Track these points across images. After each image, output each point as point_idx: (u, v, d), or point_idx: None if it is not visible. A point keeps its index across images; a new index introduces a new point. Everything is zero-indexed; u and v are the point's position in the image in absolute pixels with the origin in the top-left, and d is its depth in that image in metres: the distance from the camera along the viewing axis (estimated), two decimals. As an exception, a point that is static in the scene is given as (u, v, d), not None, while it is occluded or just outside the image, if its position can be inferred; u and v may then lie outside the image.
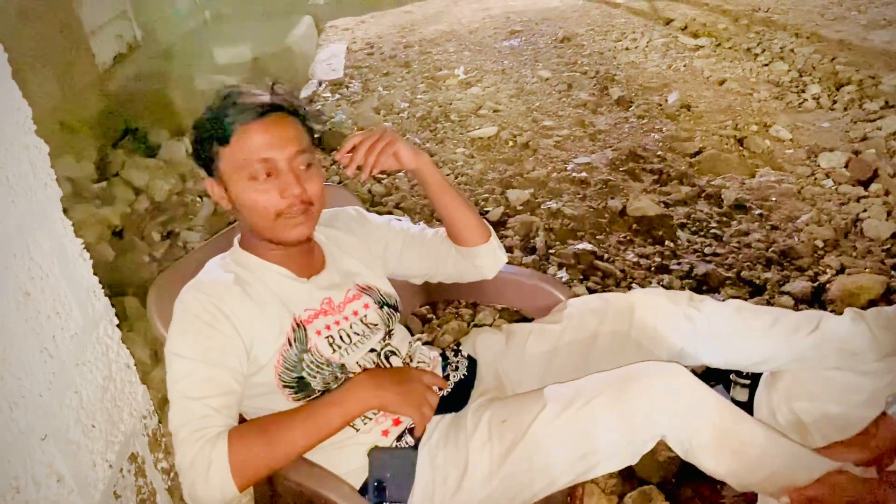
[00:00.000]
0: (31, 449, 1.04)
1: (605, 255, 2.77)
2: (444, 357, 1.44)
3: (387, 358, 1.32)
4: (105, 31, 4.63)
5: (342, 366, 1.26)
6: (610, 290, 2.54)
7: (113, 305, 1.41)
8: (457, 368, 1.41)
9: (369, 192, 3.37)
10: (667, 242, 2.83)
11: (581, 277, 2.65)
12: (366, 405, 1.15)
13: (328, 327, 1.28)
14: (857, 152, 3.22)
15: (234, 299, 1.20)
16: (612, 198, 3.13)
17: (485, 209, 3.15)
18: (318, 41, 6.31)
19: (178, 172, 3.57)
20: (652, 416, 1.13)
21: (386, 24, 6.59)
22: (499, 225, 3.03)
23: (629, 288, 2.56)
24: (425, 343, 1.46)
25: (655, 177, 3.30)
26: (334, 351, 1.26)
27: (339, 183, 3.38)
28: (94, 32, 4.39)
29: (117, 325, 1.40)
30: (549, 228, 2.95)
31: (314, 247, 1.35)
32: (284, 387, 1.23)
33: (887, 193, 2.89)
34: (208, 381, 1.13)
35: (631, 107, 4.02)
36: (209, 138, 1.20)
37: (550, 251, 2.82)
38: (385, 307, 1.37)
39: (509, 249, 2.87)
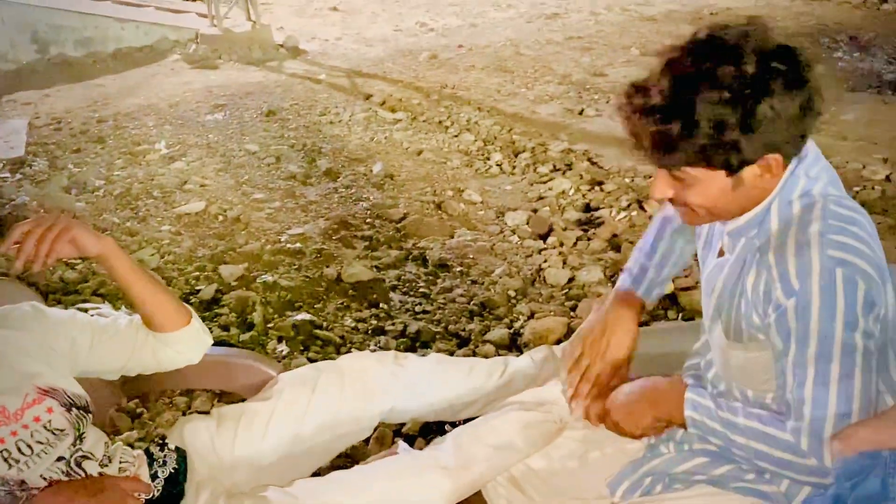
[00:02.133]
0: None
1: (324, 324, 2.81)
2: (150, 454, 1.35)
3: (78, 465, 1.20)
4: None
5: (21, 482, 1.11)
6: (331, 357, 2.57)
7: None
8: (164, 464, 1.32)
9: (61, 279, 3.06)
10: (381, 305, 2.95)
11: (301, 348, 2.66)
12: None
13: (2, 440, 1.13)
14: (535, 210, 3.67)
15: None
16: (328, 266, 3.20)
17: (196, 287, 3.03)
18: (-7, 116, 5.65)
19: None
20: None
21: (75, 98, 6.11)
22: (213, 303, 2.93)
23: (349, 352, 2.61)
24: (138, 440, 1.36)
25: (367, 243, 3.44)
26: (10, 466, 1.11)
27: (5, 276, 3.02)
28: None
29: None
30: (265, 302, 2.92)
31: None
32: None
33: (561, 245, 3.32)
34: None
35: (339, 177, 4.17)
36: None
37: (269, 325, 2.79)
38: (74, 409, 1.24)
39: (225, 327, 2.78)
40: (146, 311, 1.35)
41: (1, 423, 1.14)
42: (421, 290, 3.06)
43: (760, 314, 1.06)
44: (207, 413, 2.06)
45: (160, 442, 1.38)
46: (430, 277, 3.15)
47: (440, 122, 5.02)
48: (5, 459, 1.11)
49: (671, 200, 1.11)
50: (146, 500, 1.23)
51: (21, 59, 7.48)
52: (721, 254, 1.18)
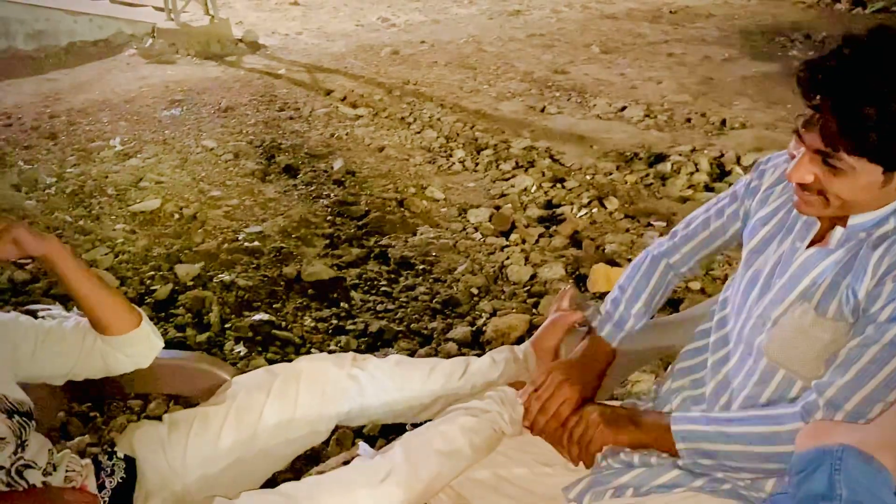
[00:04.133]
0: None
1: (283, 324, 2.77)
2: (98, 463, 1.30)
3: (19, 474, 1.15)
4: None
5: (-42, 495, 1.06)
6: (290, 359, 2.53)
7: None
8: (112, 473, 1.28)
9: (10, 280, 2.96)
10: (342, 304, 2.91)
11: (260, 349, 2.61)
12: None
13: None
14: (497, 207, 3.66)
15: None
16: (287, 265, 3.15)
17: (151, 287, 2.96)
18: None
19: None
20: None
21: (26, 93, 5.93)
22: (168, 303, 2.86)
23: (309, 353, 2.57)
24: (90, 445, 1.31)
25: (327, 241, 3.40)
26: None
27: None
28: None
29: None
30: (223, 302, 2.86)
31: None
32: None
33: (524, 241, 3.32)
34: None
35: (299, 174, 4.11)
36: None
37: (226, 325, 2.74)
38: (15, 416, 1.19)
39: (181, 327, 2.72)
40: (94, 313, 1.30)
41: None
42: (383, 288, 3.03)
43: (868, 299, 1.08)
44: (160, 418, 2.01)
45: (109, 450, 1.33)
46: (393, 276, 3.12)
47: (402, 118, 4.98)
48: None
49: (803, 186, 1.10)
50: (93, 510, 1.19)
51: (-30, 52, 7.25)
52: (815, 243, 1.18)
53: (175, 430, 1.35)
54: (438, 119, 4.93)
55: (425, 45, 6.97)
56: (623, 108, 5.13)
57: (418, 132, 4.74)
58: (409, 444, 1.31)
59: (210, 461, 1.33)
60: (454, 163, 4.26)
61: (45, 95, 5.87)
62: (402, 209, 3.71)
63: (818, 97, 1.04)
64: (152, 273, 3.07)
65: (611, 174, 4.04)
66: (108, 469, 1.28)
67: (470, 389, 1.51)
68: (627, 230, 3.45)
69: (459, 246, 3.35)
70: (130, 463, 1.31)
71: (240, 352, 2.59)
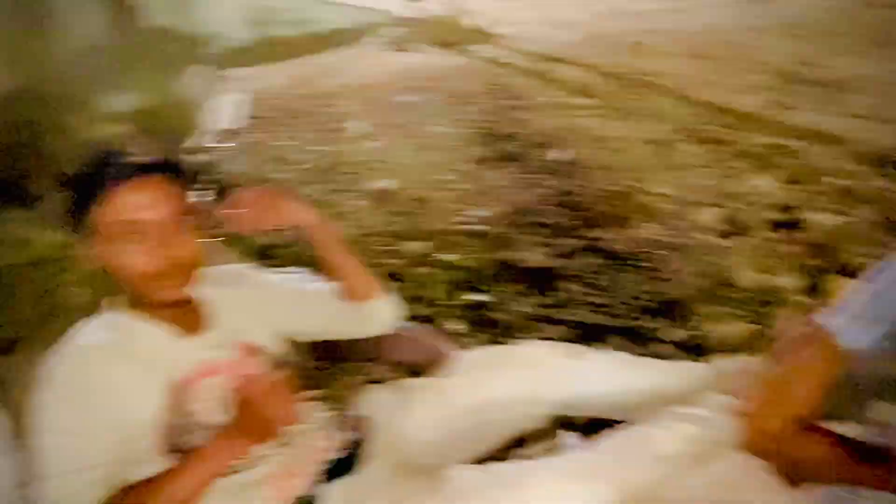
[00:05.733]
0: None
1: (500, 307, 2.83)
2: (336, 418, 1.42)
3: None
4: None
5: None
6: (504, 342, 2.59)
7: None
8: (347, 430, 1.39)
9: (260, 244, 3.31)
10: (557, 294, 2.91)
11: (477, 330, 2.69)
12: (233, 454, 1.11)
13: (212, 389, 1.24)
14: (727, 207, 3.45)
15: (107, 364, 1.14)
16: (506, 250, 3.21)
17: (380, 262, 3.16)
18: (212, 91, 6.22)
19: (61, 224, 3.40)
20: None
21: (282, 76, 6.59)
22: (394, 277, 3.04)
23: (522, 339, 2.61)
24: (318, 399, 1.44)
25: (547, 230, 3.41)
26: (218, 413, 1.22)
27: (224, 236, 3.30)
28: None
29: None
30: (445, 281, 2.98)
31: (197, 306, 1.31)
32: (169, 451, 1.18)
33: (755, 245, 3.10)
34: (79, 454, 1.07)
35: (523, 163, 4.16)
36: (82, 197, 1.16)
37: (445, 303, 2.85)
38: (275, 367, 1.34)
39: (405, 302, 2.87)
40: (344, 281, 1.42)
41: (214, 372, 1.25)
42: (599, 282, 2.99)
43: None
44: (383, 382, 2.15)
45: (344, 407, 1.46)
46: (610, 270, 3.07)
47: (631, 109, 4.86)
48: (214, 407, 1.22)
49: None
50: (328, 462, 1.30)
51: (239, 38, 8.17)
52: None
53: (401, 397, 1.44)
54: (669, 111, 4.74)
55: (661, 34, 6.72)
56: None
57: (647, 124, 4.60)
58: (619, 442, 1.29)
59: (432, 430, 1.40)
60: (683, 157, 4.08)
61: (298, 79, 6.48)
62: (625, 202, 3.63)
63: None
64: (382, 248, 3.29)
65: (863, 179, 3.64)
66: (344, 426, 1.40)
67: (689, 394, 1.45)
68: (878, 242, 3.10)
69: (683, 245, 3.21)
70: (363, 423, 1.42)
71: (458, 329, 2.69)
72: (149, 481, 1.09)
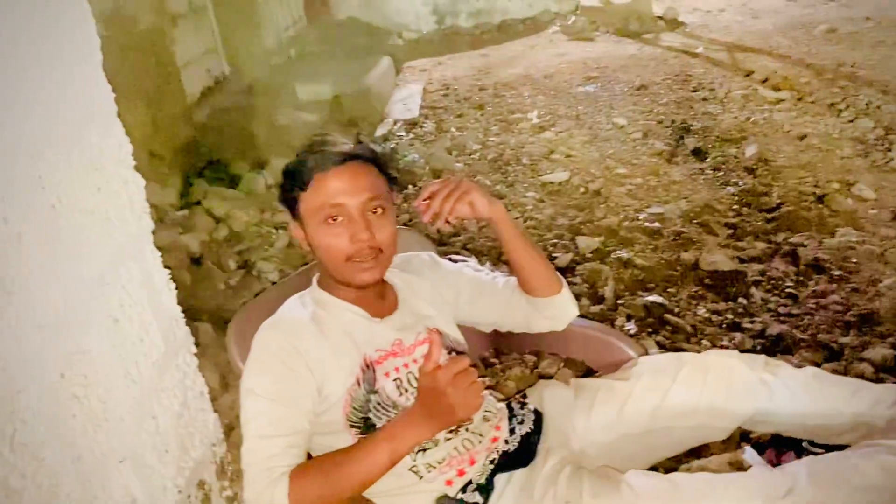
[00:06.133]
0: (110, 471, 1.09)
1: (676, 309, 2.72)
2: (511, 409, 1.44)
3: (451, 404, 1.32)
4: (195, 65, 4.86)
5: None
6: (679, 346, 2.49)
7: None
8: (522, 422, 1.40)
9: (437, 231, 3.40)
10: (740, 300, 2.75)
11: (650, 331, 2.60)
12: (420, 438, 1.13)
13: (397, 369, 1.29)
14: (946, 216, 3.09)
15: (310, 338, 1.23)
16: (685, 250, 3.08)
17: (553, 255, 3.14)
18: (396, 81, 6.47)
19: (257, 204, 3.69)
20: None
21: (462, 67, 6.70)
22: (567, 272, 3.01)
23: (699, 344, 2.50)
24: (487, 388, 1.46)
25: (731, 231, 3.23)
26: (401, 394, 1.27)
27: (409, 223, 3.42)
28: (185, 66, 4.62)
29: (194, 354, 1.45)
30: (618, 278, 2.91)
31: (388, 289, 1.38)
32: (351, 426, 1.24)
33: (979, 261, 2.76)
34: (279, 421, 1.16)
35: (707, 158, 3.97)
36: (292, 183, 1.26)
37: (619, 301, 2.78)
38: (453, 353, 1.37)
39: (576, 297, 2.82)
40: (524, 274, 1.43)
41: (398, 354, 1.31)
42: (788, 290, 2.78)
43: None
44: (553, 377, 2.14)
45: (521, 400, 1.47)
46: (801, 278, 2.85)
47: (832, 104, 4.47)
48: (397, 388, 1.28)
49: None
50: (502, 452, 1.32)
51: (422, 29, 8.42)
52: None
53: (581, 395, 1.43)
54: (878, 107, 4.31)
55: (870, 21, 6.11)
56: None
57: (850, 121, 4.21)
58: (817, 467, 1.19)
59: (608, 431, 1.38)
60: (893, 158, 3.70)
61: (477, 69, 6.56)
62: (821, 206, 3.35)
63: None
64: (555, 241, 3.26)
65: None
66: (520, 417, 1.41)
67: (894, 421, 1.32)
68: None
69: (888, 255, 2.91)
70: (538, 417, 1.42)
71: (629, 329, 2.62)
72: (334, 454, 1.15)
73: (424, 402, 1.11)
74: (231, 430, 2.01)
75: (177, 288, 1.37)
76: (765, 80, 5.02)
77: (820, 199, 3.39)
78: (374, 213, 1.26)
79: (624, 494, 1.15)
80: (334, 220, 1.24)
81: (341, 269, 1.26)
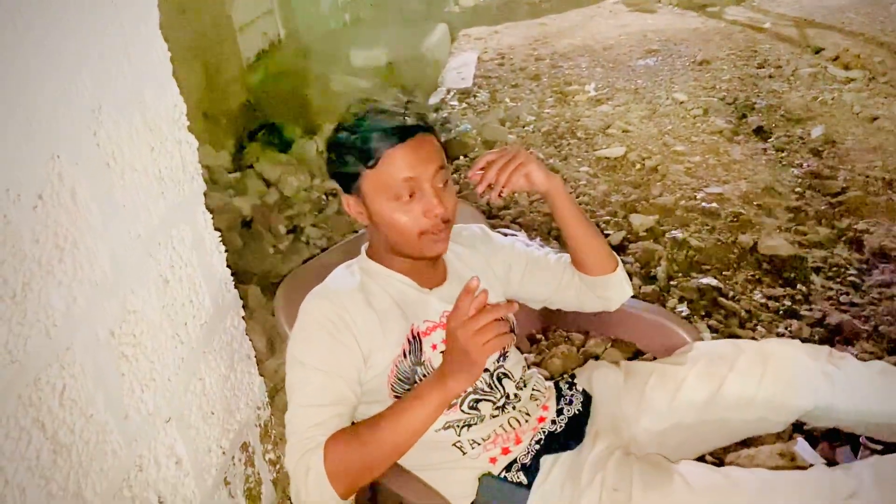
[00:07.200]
0: (156, 430, 1.09)
1: (731, 293, 2.64)
2: (559, 389, 1.40)
3: (499, 380, 1.30)
4: (252, 28, 4.87)
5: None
6: (732, 331, 2.41)
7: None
8: (570, 403, 1.37)
9: (487, 204, 3.36)
10: (798, 286, 2.65)
11: (703, 314, 2.54)
12: (446, 393, 1.09)
13: (444, 341, 1.27)
14: None
15: (357, 308, 1.21)
16: (743, 233, 2.98)
17: (605, 232, 3.07)
18: (451, 49, 6.39)
19: (308, 169, 3.70)
20: None
21: (519, 36, 6.58)
22: (619, 250, 2.94)
23: (754, 330, 2.42)
24: (533, 364, 1.43)
25: (791, 215, 3.12)
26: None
27: (458, 194, 3.38)
28: (241, 29, 4.63)
29: (242, 317, 1.45)
30: (671, 259, 2.84)
31: (438, 260, 1.35)
32: (395, 397, 1.23)
33: None
34: (325, 389, 1.14)
35: (770, 138, 3.82)
36: (353, 159, 1.21)
37: (672, 283, 2.71)
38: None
39: (628, 276, 2.78)
40: (578, 251, 1.38)
41: (446, 325, 1.28)
42: (851, 278, 2.67)
43: None
44: (602, 358, 2.09)
45: (569, 381, 1.43)
46: (865, 266, 2.73)
47: (906, 85, 4.26)
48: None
49: None
50: (549, 432, 1.29)
51: (480, -3, 8.29)
52: None
53: (631, 378, 1.39)
54: (956, 89, 4.09)
55: (952, -2, 5.78)
56: None
57: (926, 103, 4.01)
58: (883, 468, 1.13)
59: (659, 417, 1.34)
60: (970, 145, 3.51)
61: (534, 38, 6.43)
62: (890, 191, 3.20)
63: None
64: (608, 218, 3.19)
65: None
66: (568, 398, 1.37)
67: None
68: None
69: (960, 246, 2.77)
70: (587, 398, 1.39)
71: (681, 311, 2.55)
72: (369, 420, 1.13)
73: (448, 354, 1.08)
74: (276, 393, 2.03)
75: (226, 250, 1.36)
76: (835, 58, 4.80)
77: (889, 184, 3.24)
78: (441, 183, 1.22)
79: (677, 487, 1.11)
80: (410, 196, 1.20)
81: (413, 243, 1.22)
